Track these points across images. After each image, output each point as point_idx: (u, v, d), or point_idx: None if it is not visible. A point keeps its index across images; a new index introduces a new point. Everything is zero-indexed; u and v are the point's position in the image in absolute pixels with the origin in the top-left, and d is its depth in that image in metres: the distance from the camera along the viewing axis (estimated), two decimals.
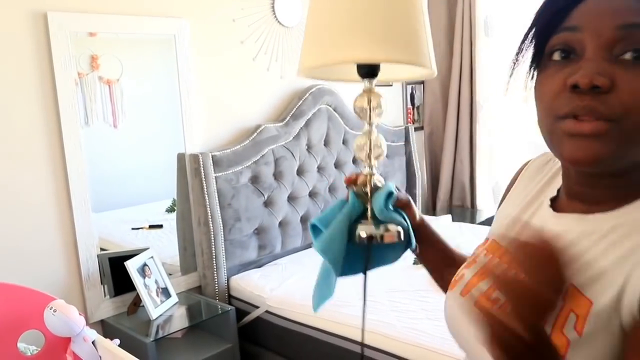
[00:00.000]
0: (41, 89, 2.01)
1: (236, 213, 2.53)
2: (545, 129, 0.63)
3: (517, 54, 0.68)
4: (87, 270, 2.17)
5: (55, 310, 1.52)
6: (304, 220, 2.85)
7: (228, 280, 2.52)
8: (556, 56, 0.60)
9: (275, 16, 2.77)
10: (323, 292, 0.86)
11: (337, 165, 3.05)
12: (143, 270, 2.21)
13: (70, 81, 2.05)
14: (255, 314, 2.36)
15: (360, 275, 0.85)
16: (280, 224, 2.74)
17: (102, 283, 2.22)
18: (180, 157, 2.45)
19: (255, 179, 2.62)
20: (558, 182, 0.70)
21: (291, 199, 2.79)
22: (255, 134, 2.62)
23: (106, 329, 2.22)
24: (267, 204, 2.68)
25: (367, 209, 0.81)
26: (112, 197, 2.28)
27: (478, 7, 3.46)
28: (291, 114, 2.78)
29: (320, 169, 2.94)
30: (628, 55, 0.54)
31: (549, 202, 0.69)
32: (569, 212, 0.64)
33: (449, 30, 3.70)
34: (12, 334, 1.56)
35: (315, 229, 0.84)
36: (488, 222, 3.50)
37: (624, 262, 0.55)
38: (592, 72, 0.54)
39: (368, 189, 0.80)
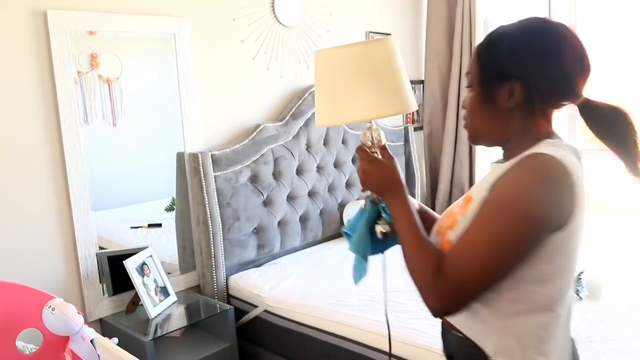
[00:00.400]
0: (41, 87, 2.01)
1: (235, 212, 2.53)
2: None
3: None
4: (86, 268, 2.17)
5: (53, 309, 1.52)
6: (303, 219, 2.85)
7: (227, 280, 2.52)
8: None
9: (275, 15, 2.77)
10: (360, 272, 1.21)
11: (337, 164, 3.05)
12: (142, 269, 2.21)
13: (70, 79, 2.05)
14: (253, 313, 2.36)
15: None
16: (280, 223, 2.74)
17: (100, 282, 2.22)
18: (180, 156, 2.45)
19: (254, 178, 2.62)
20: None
21: (290, 198, 2.79)
22: (255, 133, 2.62)
23: (105, 327, 2.22)
24: (267, 203, 2.68)
25: (380, 212, 1.14)
26: (111, 195, 2.28)
27: (478, 7, 3.46)
28: (291, 113, 2.78)
29: (319, 169, 2.94)
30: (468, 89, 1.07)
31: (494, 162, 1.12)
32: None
33: (449, 31, 3.70)
34: (11, 333, 1.56)
35: (347, 234, 1.19)
36: None
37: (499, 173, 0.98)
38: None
39: (380, 198, 1.12)
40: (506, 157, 1.07)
